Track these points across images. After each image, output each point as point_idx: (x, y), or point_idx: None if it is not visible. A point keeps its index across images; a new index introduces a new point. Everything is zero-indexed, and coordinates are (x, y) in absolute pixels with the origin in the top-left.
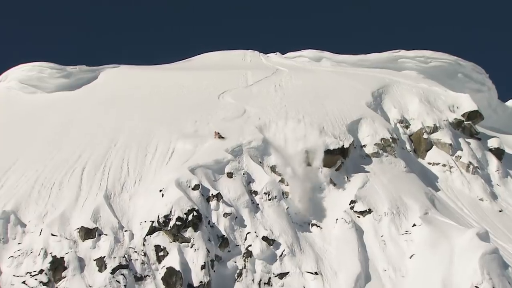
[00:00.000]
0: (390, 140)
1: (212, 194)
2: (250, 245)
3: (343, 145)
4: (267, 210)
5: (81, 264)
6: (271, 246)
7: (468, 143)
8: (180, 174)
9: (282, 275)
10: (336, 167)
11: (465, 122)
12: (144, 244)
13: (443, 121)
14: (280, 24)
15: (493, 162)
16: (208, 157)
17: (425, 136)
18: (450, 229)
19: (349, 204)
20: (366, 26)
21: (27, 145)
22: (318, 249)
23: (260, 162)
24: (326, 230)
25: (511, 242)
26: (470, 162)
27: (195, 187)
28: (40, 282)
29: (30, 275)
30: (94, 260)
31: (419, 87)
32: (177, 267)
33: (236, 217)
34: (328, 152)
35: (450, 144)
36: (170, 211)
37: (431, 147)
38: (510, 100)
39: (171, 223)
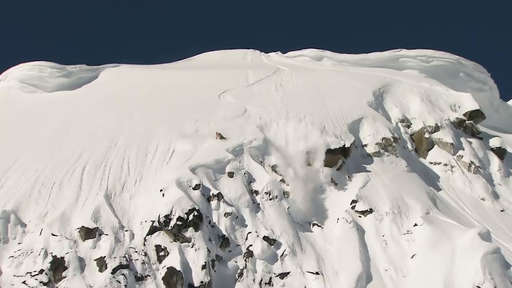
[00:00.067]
0: (392, 140)
1: (212, 194)
2: (251, 245)
3: (344, 145)
4: (268, 209)
5: (82, 264)
6: (272, 246)
7: (470, 143)
8: (180, 174)
9: (283, 275)
10: (337, 167)
11: (467, 122)
12: (144, 244)
13: (444, 121)
14: (280, 24)
15: (494, 162)
16: (208, 156)
17: (426, 135)
18: (452, 229)
19: (350, 204)
20: (367, 25)
21: (27, 144)
22: (319, 249)
23: (261, 162)
24: (327, 230)
25: None
26: (472, 162)
27: (196, 187)
28: (41, 282)
29: (30, 275)
30: (95, 260)
31: (421, 86)
32: (178, 267)
33: (237, 217)
34: (329, 151)
35: (452, 144)
36: (171, 211)
37: (433, 147)
38: None
39: (172, 223)
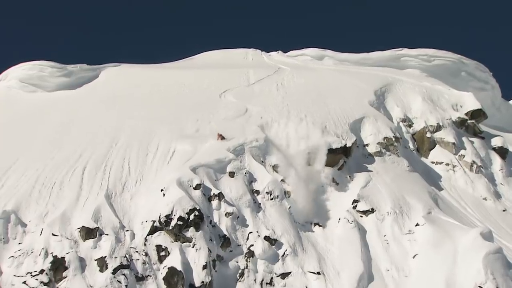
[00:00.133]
0: (393, 139)
1: (213, 194)
2: (252, 245)
3: (346, 144)
4: (269, 209)
5: (82, 264)
6: (273, 246)
7: (472, 142)
8: (181, 174)
9: (284, 275)
10: (338, 167)
11: (469, 121)
12: (145, 244)
13: (446, 120)
14: (281, 23)
15: (496, 161)
16: (209, 156)
17: (428, 135)
18: (454, 229)
19: (352, 204)
20: (368, 24)
21: (28, 144)
22: (320, 249)
23: (262, 162)
24: (329, 229)
25: None
26: (474, 161)
27: (197, 187)
28: (41, 282)
29: (31, 275)
30: (95, 260)
31: (422, 86)
32: (179, 267)
33: (238, 217)
34: (330, 151)
35: (454, 143)
36: (172, 211)
37: (434, 146)
38: None
39: (173, 223)
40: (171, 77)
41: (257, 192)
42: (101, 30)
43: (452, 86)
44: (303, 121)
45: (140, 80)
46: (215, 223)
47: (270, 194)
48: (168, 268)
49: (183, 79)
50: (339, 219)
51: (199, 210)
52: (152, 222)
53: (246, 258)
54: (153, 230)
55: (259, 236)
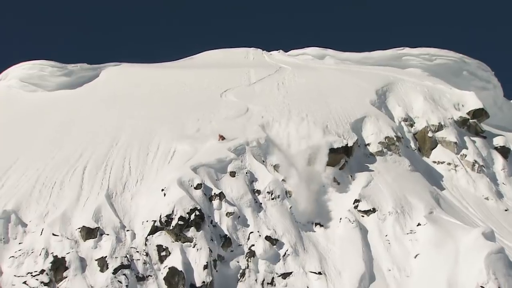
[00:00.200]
0: (395, 139)
1: (214, 193)
2: (253, 245)
3: (347, 144)
4: (270, 209)
5: (83, 264)
6: (274, 246)
7: (474, 142)
8: (182, 173)
9: (285, 275)
10: (339, 166)
11: (470, 120)
12: (146, 244)
13: (448, 119)
14: (282, 22)
15: (498, 161)
16: (210, 156)
17: (429, 134)
18: (455, 229)
19: (353, 203)
20: (369, 24)
21: (28, 144)
22: (321, 249)
23: (263, 161)
24: (330, 229)
25: None
26: (476, 161)
27: (198, 186)
28: (41, 282)
29: (31, 275)
30: (96, 260)
31: (424, 85)
32: (180, 267)
33: (239, 217)
34: (331, 151)
35: (455, 143)
36: (172, 211)
37: (436, 146)
38: None
39: (173, 223)
40: (171, 76)
41: (258, 192)
42: (101, 30)
43: (454, 85)
44: (304, 120)
45: (140, 79)
46: (216, 223)
47: (271, 194)
48: (169, 268)
49: (183, 78)
50: (341, 219)
51: (200, 210)
52: (152, 222)
53: (247, 258)
54: (154, 230)
55: (260, 236)
